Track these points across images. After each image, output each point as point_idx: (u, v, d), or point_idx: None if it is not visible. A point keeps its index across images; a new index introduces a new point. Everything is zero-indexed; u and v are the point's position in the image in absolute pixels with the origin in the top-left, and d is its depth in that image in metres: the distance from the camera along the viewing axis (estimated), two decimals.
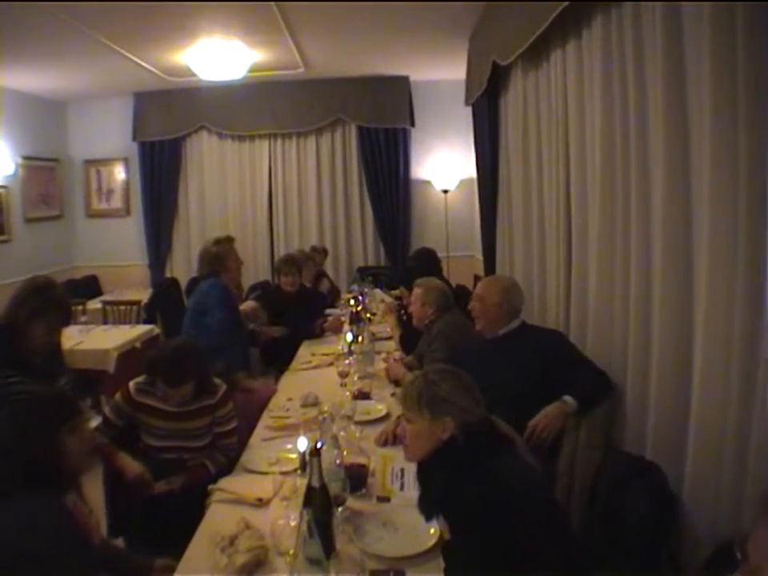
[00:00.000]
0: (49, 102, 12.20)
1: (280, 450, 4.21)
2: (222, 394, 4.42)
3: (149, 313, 10.45)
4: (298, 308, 7.62)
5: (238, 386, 5.29)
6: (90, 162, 12.85)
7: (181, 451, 4.30)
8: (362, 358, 5.79)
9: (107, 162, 12.83)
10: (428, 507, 2.99)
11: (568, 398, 4.24)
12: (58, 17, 7.27)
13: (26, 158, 11.34)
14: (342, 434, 3.81)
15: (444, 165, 12.21)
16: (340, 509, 3.22)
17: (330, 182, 12.40)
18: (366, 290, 8.70)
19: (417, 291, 5.86)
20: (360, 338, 6.14)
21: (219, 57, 8.88)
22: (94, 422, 4.50)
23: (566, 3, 4.72)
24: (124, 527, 4.28)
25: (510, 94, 7.53)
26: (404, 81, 11.98)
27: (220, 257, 6.20)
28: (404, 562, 3.00)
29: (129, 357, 8.10)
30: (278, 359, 6.89)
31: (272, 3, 7.24)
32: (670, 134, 3.48)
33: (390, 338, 7.13)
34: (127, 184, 12.84)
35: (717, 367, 3.12)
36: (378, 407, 4.97)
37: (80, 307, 9.84)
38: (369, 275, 10.68)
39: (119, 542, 4.13)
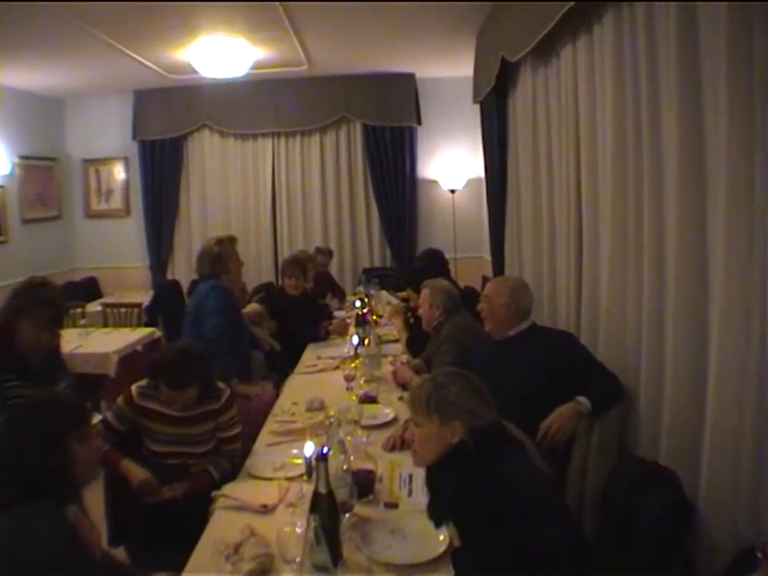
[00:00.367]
0: (46, 99, 12.21)
1: (285, 456, 4.21)
2: (226, 399, 4.43)
3: (150, 315, 10.46)
4: (301, 312, 7.62)
5: (234, 393, 5.30)
6: (88, 162, 12.86)
7: (184, 457, 4.30)
8: (369, 361, 5.79)
9: (106, 161, 12.84)
10: (437, 513, 2.99)
11: (582, 399, 4.23)
12: (56, 13, 7.27)
13: (23, 157, 11.35)
14: (348, 438, 3.82)
15: (451, 164, 12.21)
16: (347, 515, 3.22)
17: (334, 182, 12.40)
18: (371, 291, 8.71)
19: (424, 293, 5.88)
20: (366, 341, 6.15)
21: (221, 54, 8.89)
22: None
23: (574, 2, 4.74)
24: (125, 535, 4.28)
25: (519, 92, 7.53)
26: (410, 78, 11.97)
27: (222, 257, 6.14)
28: (413, 569, 2.99)
29: (130, 360, 8.10)
30: (283, 363, 6.89)
31: (276, 3, 7.25)
32: (685, 132, 3.47)
33: (396, 341, 7.14)
34: (127, 184, 12.85)
35: (733, 368, 3.11)
36: (385, 411, 4.97)
37: (79, 310, 9.83)
38: (375, 277, 10.68)
39: (120, 551, 4.13)
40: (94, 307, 10.67)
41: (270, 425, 4.90)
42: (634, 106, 4.20)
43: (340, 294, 10.14)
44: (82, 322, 9.23)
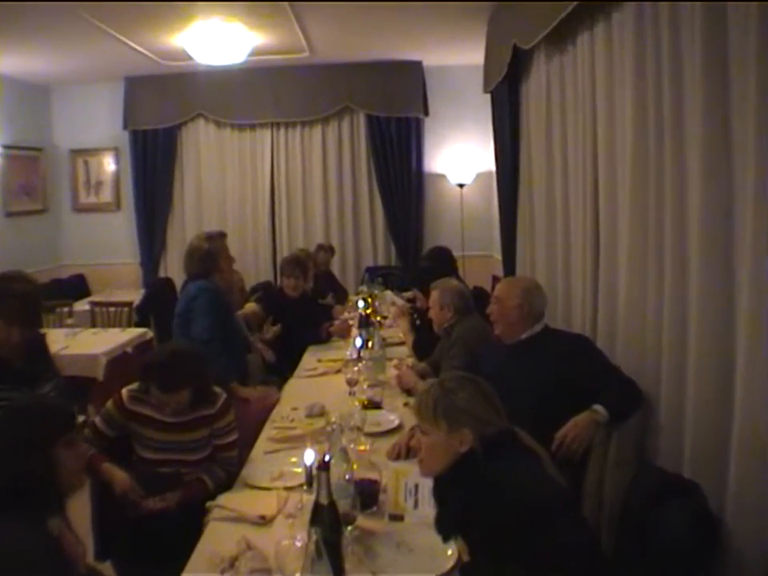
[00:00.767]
0: (31, 85, 12.21)
1: (284, 464, 4.20)
2: (222, 404, 4.41)
3: (141, 315, 10.46)
4: (301, 313, 7.61)
5: (233, 397, 5.28)
6: (76, 152, 12.88)
7: (177, 465, 4.28)
8: (372, 364, 5.78)
9: (96, 151, 12.87)
10: (445, 526, 2.98)
11: (599, 407, 4.19)
12: None
13: (6, 146, 11.37)
14: (351, 446, 3.81)
15: (460, 157, 12.20)
16: (350, 528, 3.20)
17: (336, 176, 12.42)
18: (375, 291, 8.70)
19: (434, 294, 5.86)
20: (370, 344, 6.13)
21: (218, 39, 8.89)
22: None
23: None
24: (113, 548, 4.28)
25: (533, 81, 7.52)
26: (417, 66, 11.98)
27: (213, 255, 6.09)
28: None
29: (119, 363, 8.09)
30: (282, 366, 6.89)
31: None
32: (710, 123, 3.44)
33: (402, 344, 7.14)
34: (117, 176, 12.89)
35: (762, 371, 3.08)
36: (389, 418, 4.97)
37: (66, 309, 9.87)
38: (379, 276, 10.66)
39: (107, 566, 4.13)
40: (82, 306, 10.66)
41: (268, 431, 4.89)
42: (655, 95, 4.17)
43: (342, 294, 10.15)
44: (69, 321, 9.24)
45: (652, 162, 4.26)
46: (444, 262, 7.92)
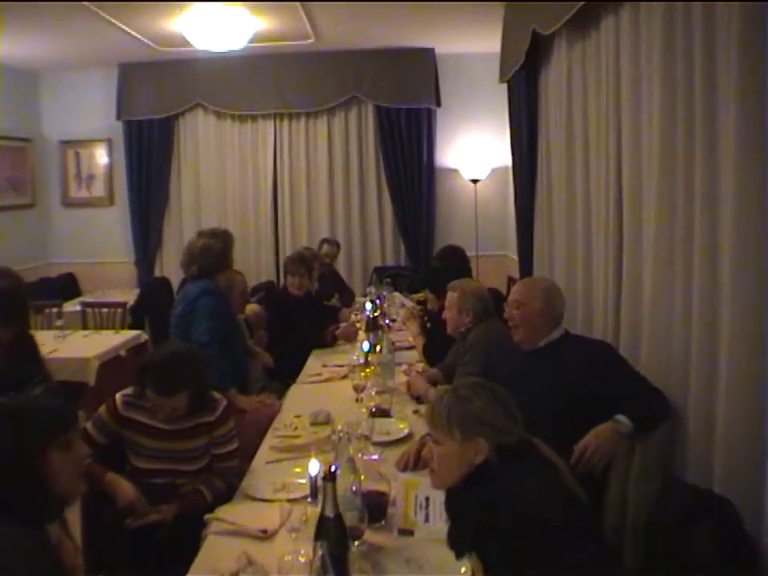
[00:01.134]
0: (19, 71, 12.18)
1: (287, 475, 4.20)
2: (222, 411, 4.42)
3: (135, 317, 10.48)
4: (306, 314, 7.61)
5: (232, 405, 5.29)
6: (67, 143, 12.89)
7: (173, 475, 4.30)
8: (381, 370, 5.78)
9: (87, 143, 12.88)
10: (458, 542, 2.97)
11: (622, 418, 4.14)
12: None
13: None
14: (359, 456, 3.80)
15: (474, 151, 12.18)
16: (357, 542, 3.20)
17: (343, 170, 12.41)
18: (384, 293, 8.69)
19: (452, 296, 5.82)
20: (378, 348, 6.13)
21: (218, 24, 8.88)
22: None
23: None
24: (105, 563, 4.27)
25: (553, 69, 7.51)
26: (429, 53, 11.98)
27: (226, 253, 6.17)
28: None
29: (112, 367, 8.09)
30: (284, 371, 6.89)
31: None
32: (745, 116, 3.43)
33: (411, 348, 7.16)
34: (110, 169, 12.89)
35: None
36: (399, 426, 4.97)
37: (55, 310, 9.85)
38: (387, 276, 10.63)
39: None
40: (72, 307, 10.66)
41: (270, 440, 4.89)
42: (686, 85, 4.14)
43: (349, 296, 10.14)
44: (59, 323, 9.21)
45: (680, 155, 4.22)
46: (456, 262, 7.93)
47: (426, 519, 3.68)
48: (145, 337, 9.23)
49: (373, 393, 5.37)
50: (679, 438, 4.26)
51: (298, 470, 4.19)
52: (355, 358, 6.11)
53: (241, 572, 3.10)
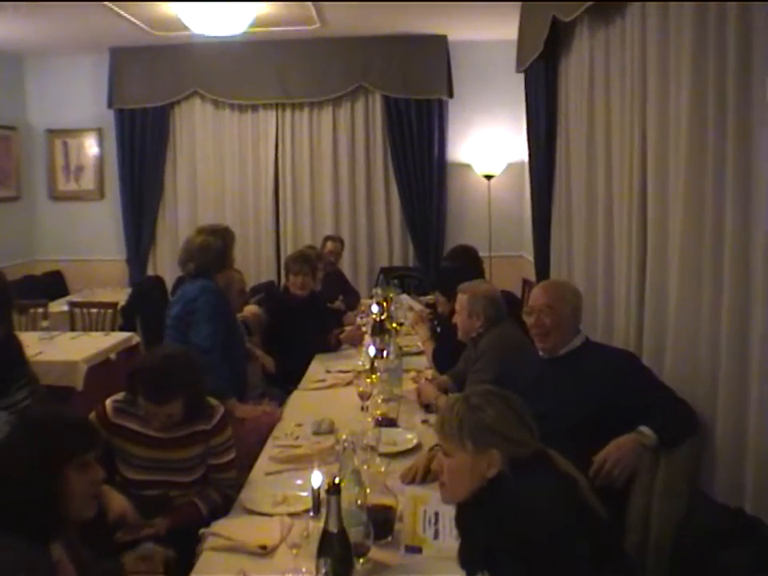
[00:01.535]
0: (2, 55, 12.15)
1: (288, 487, 4.20)
2: (219, 419, 4.42)
3: (127, 318, 10.46)
4: (308, 316, 7.62)
5: (231, 415, 5.30)
6: (54, 132, 12.89)
7: (166, 487, 4.30)
8: (387, 376, 5.78)
9: (76, 132, 12.88)
10: (470, 560, 2.98)
11: (645, 429, 4.12)
12: None
13: None
14: (365, 468, 3.80)
15: (488, 145, 12.15)
16: (361, 560, 3.21)
17: (348, 164, 12.42)
18: (391, 295, 8.70)
19: (462, 299, 5.81)
20: (384, 353, 6.14)
21: (217, 7, 8.88)
22: None
23: None
24: None
25: (573, 58, 7.51)
26: (441, 41, 11.97)
27: (228, 252, 6.17)
28: None
29: (101, 371, 8.09)
30: (285, 377, 6.89)
31: None
32: None
33: (420, 353, 7.17)
34: (101, 160, 12.91)
35: None
36: (406, 436, 4.97)
37: (41, 310, 9.84)
38: (394, 278, 10.64)
39: None
40: (59, 307, 10.63)
41: (269, 450, 4.89)
42: (717, 76, 4.09)
43: (354, 298, 10.15)
44: (44, 324, 9.22)
45: (711, 152, 4.19)
46: (468, 263, 7.93)
47: (436, 536, 3.68)
48: (137, 339, 9.22)
49: (379, 401, 5.38)
50: (707, 453, 4.24)
51: (299, 482, 4.18)
52: (360, 363, 6.14)
53: None
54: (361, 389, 5.54)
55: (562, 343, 4.66)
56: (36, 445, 2.87)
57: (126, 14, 9.79)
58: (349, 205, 12.45)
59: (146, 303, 10.56)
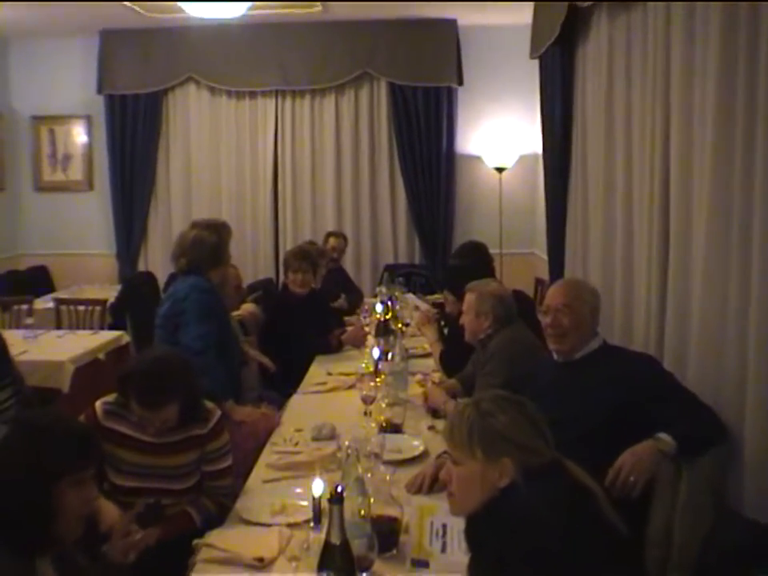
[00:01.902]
0: None
1: (287, 496, 4.19)
2: (215, 423, 4.40)
3: (116, 316, 10.46)
4: (309, 315, 7.62)
5: (229, 418, 5.29)
6: (40, 119, 12.92)
7: (158, 494, 4.28)
8: (392, 379, 5.75)
9: (63, 119, 12.91)
10: (480, 575, 2.97)
11: (664, 436, 4.07)
12: None
13: None
14: (368, 476, 3.79)
15: (500, 135, 12.16)
16: (365, 574, 3.20)
17: (352, 155, 12.44)
18: (396, 293, 8.71)
19: (469, 298, 5.80)
20: (389, 355, 6.15)
21: None
22: None
23: None
24: None
25: (591, 45, 7.50)
26: (450, 25, 11.98)
27: (222, 248, 6.14)
28: None
29: (89, 372, 8.08)
30: (284, 380, 6.89)
31: None
32: None
33: (427, 356, 7.18)
34: (89, 149, 12.93)
35: None
36: (412, 443, 4.97)
37: (25, 307, 9.87)
38: (400, 276, 10.65)
39: None
40: (45, 304, 10.66)
41: (267, 456, 4.88)
42: (747, 65, 4.07)
43: (357, 296, 10.18)
44: (29, 321, 9.21)
45: (739, 147, 4.16)
46: (478, 261, 7.92)
47: (443, 549, 3.66)
48: (126, 338, 9.22)
49: (383, 405, 5.36)
50: (734, 463, 4.21)
51: (298, 490, 4.18)
52: (364, 365, 6.12)
53: None
54: (364, 392, 5.52)
55: (579, 345, 4.63)
56: (37, 453, 2.83)
57: None
58: (352, 198, 12.46)
59: (136, 301, 10.56)
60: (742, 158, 4.14)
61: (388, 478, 3.98)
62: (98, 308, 10.23)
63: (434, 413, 5.56)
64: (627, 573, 2.88)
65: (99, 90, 12.41)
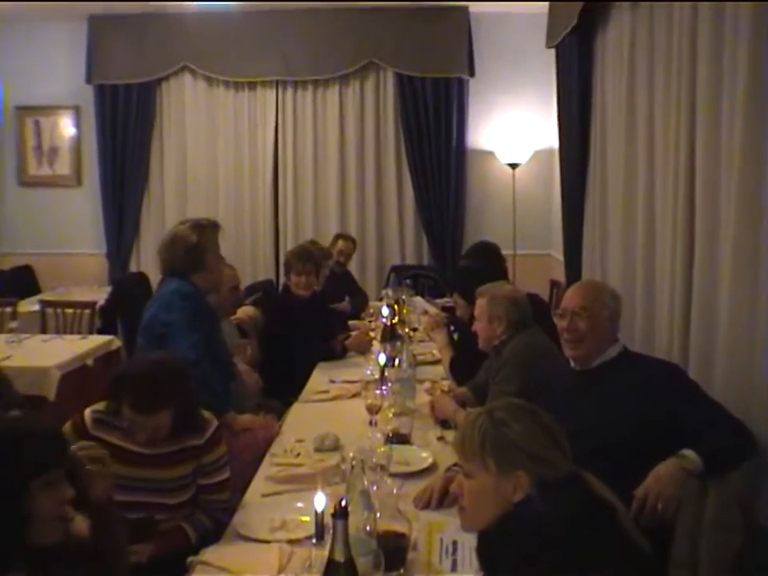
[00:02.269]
0: None
1: (287, 510, 4.18)
2: (212, 433, 4.40)
3: (106, 319, 10.47)
4: (311, 319, 7.61)
5: (231, 429, 5.29)
6: (24, 110, 12.92)
7: (151, 509, 4.27)
8: (399, 387, 5.77)
9: (50, 110, 12.91)
10: None
11: (689, 453, 4.01)
12: None
13: None
14: (374, 489, 3.79)
15: (513, 129, 12.16)
16: None
17: (356, 150, 12.46)
18: (403, 296, 8.71)
19: (481, 303, 5.78)
20: (396, 361, 6.15)
21: None
22: None
23: None
24: None
25: (612, 34, 7.50)
26: (461, 13, 12.01)
27: (200, 250, 5.93)
28: None
29: (77, 379, 8.09)
30: (284, 388, 6.87)
31: None
32: None
33: (436, 362, 7.19)
34: (78, 142, 12.95)
35: None
36: (420, 455, 4.96)
37: (8, 309, 9.86)
38: (407, 277, 10.62)
39: None
40: (30, 306, 10.67)
41: (266, 468, 4.87)
42: None
43: (361, 299, 10.18)
44: (12, 325, 9.23)
45: None
46: (490, 262, 7.90)
47: (453, 567, 3.65)
48: (117, 343, 9.23)
49: (390, 415, 5.37)
50: (765, 479, 4.20)
51: (300, 504, 4.16)
52: (369, 373, 6.11)
53: None
54: (369, 401, 5.48)
55: (596, 352, 4.61)
56: (6, 455, 2.83)
57: None
58: (356, 196, 12.48)
59: (127, 303, 10.55)
60: None
61: (395, 491, 3.98)
62: (86, 311, 10.23)
63: (444, 423, 5.54)
64: None
65: (88, 80, 12.43)
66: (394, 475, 4.37)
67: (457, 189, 12.24)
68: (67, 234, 12.87)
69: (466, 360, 6.37)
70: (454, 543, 3.80)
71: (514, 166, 12.09)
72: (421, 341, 7.92)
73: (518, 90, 12.11)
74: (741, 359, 4.52)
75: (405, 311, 7.85)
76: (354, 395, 6.26)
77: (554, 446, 3.02)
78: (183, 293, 5.81)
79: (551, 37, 9.27)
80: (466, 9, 11.88)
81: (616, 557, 2.83)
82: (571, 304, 4.68)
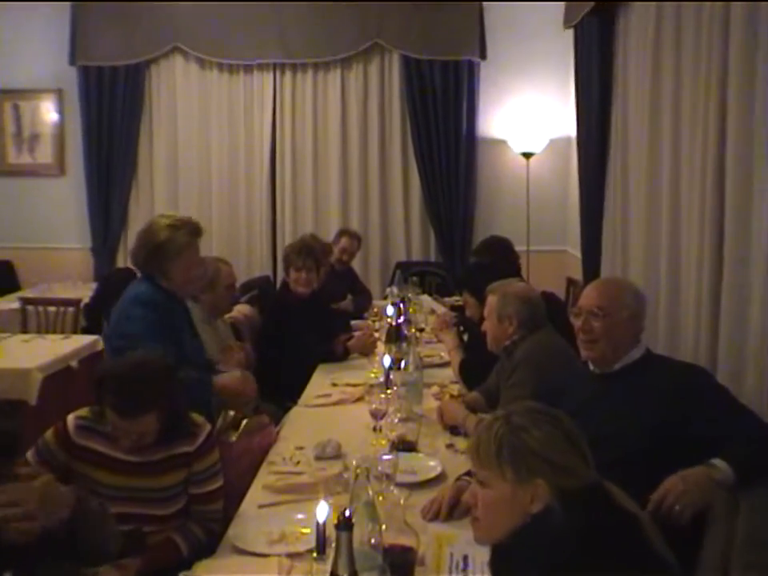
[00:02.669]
0: None
1: (286, 522, 4.17)
2: (204, 439, 4.41)
3: (91, 318, 10.47)
4: (311, 319, 7.63)
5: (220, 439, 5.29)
6: (4, 93, 12.94)
7: (139, 521, 4.26)
8: (405, 391, 5.75)
9: (30, 93, 12.94)
10: None
11: (719, 463, 4.00)
12: None
13: None
14: (380, 500, 3.78)
15: (527, 116, 12.15)
16: None
17: (359, 138, 12.47)
18: (409, 295, 8.71)
19: (491, 301, 5.78)
20: (402, 364, 6.14)
21: None
22: None
23: None
24: None
25: (634, 13, 7.50)
26: None
27: (161, 252, 5.57)
28: None
29: (60, 381, 8.09)
30: (283, 391, 6.88)
31: None
32: None
33: (445, 365, 7.19)
34: (61, 128, 12.97)
35: None
36: (428, 464, 4.95)
37: None
38: (413, 275, 10.69)
39: None
40: (9, 304, 10.71)
41: (264, 477, 4.86)
42: None
43: (365, 297, 10.18)
44: None
45: None
46: (502, 259, 7.92)
47: None
48: (102, 344, 9.20)
49: (395, 420, 5.35)
50: None
51: (300, 516, 4.16)
52: (373, 376, 6.13)
53: None
54: (373, 406, 5.48)
55: (612, 354, 4.59)
56: None
57: None
58: (359, 187, 12.49)
59: (114, 301, 10.41)
60: None
61: (402, 502, 3.97)
62: (70, 309, 10.24)
63: (453, 429, 5.53)
64: None
65: (72, 61, 12.44)
66: (400, 485, 4.36)
67: (467, 180, 12.23)
68: (49, 226, 12.88)
69: (476, 363, 6.37)
70: (465, 557, 3.79)
71: (528, 155, 12.06)
72: (428, 342, 7.95)
73: (533, 73, 12.10)
74: None
75: (411, 310, 7.84)
76: (358, 400, 6.25)
77: (575, 453, 3.01)
78: (142, 300, 5.62)
79: (569, 17, 9.25)
80: None
81: (640, 571, 2.81)
82: (588, 303, 4.66)
